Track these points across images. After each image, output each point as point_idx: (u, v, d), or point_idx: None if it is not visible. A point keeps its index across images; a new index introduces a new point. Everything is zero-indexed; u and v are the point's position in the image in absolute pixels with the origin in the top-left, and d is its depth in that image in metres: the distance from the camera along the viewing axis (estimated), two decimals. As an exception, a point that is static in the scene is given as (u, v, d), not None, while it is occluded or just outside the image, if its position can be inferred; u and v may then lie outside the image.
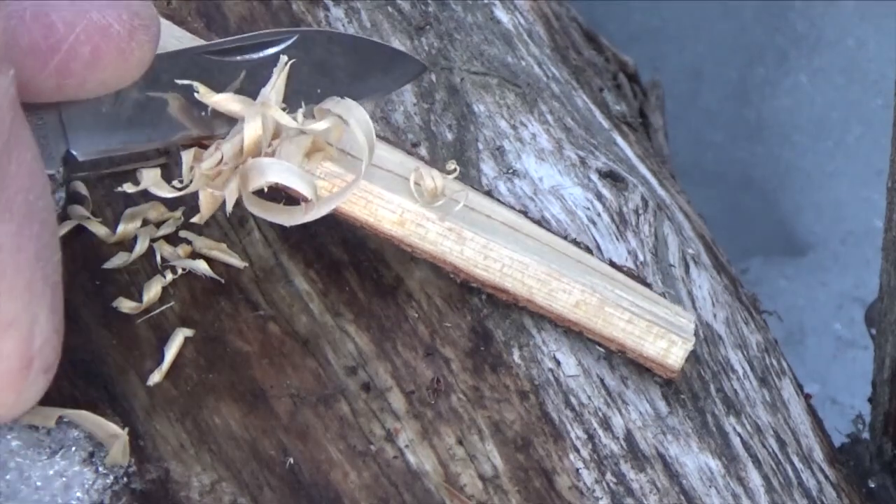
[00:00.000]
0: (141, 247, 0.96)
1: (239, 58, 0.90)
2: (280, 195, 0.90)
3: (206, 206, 0.91)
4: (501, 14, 1.18)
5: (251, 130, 0.87)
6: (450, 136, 1.05)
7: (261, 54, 0.90)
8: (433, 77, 1.09)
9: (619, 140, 1.15)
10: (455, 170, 0.93)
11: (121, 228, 0.96)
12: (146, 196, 0.99)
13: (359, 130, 0.88)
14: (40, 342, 0.74)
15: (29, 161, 0.71)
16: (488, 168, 1.04)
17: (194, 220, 0.93)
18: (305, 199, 0.88)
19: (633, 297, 0.93)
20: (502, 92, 1.10)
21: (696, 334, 0.95)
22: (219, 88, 0.88)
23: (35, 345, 0.73)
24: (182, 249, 0.96)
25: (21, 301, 0.72)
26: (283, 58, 0.90)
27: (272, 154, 0.88)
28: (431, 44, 1.12)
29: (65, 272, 0.96)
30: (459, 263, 0.92)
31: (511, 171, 1.04)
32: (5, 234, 0.70)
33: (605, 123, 1.16)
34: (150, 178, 0.90)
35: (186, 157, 0.89)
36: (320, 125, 0.89)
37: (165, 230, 0.96)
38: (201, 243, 0.96)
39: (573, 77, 1.19)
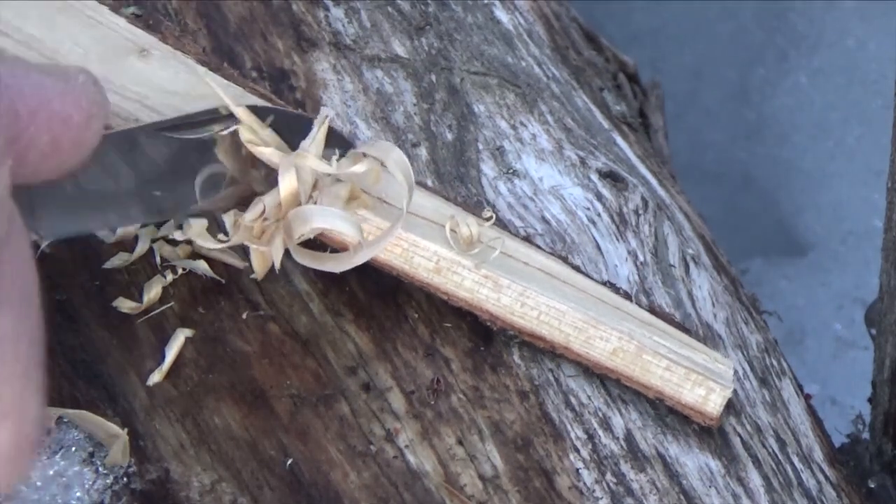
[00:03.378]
0: (142, 247, 0.96)
1: (175, 135, 0.87)
2: (324, 248, 0.91)
3: (259, 265, 0.91)
4: (501, 14, 1.18)
5: (286, 182, 0.87)
6: (450, 137, 1.05)
7: (193, 136, 0.87)
8: (433, 77, 1.09)
9: (619, 140, 1.15)
10: (491, 217, 0.93)
11: (121, 229, 0.96)
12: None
13: (398, 171, 0.88)
14: (32, 425, 0.74)
15: (24, 249, 0.71)
16: (488, 168, 1.04)
17: (253, 275, 0.93)
18: (348, 244, 0.88)
19: (670, 343, 0.92)
20: (502, 92, 1.10)
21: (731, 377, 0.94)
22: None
23: (27, 429, 0.74)
24: (182, 249, 0.96)
25: (17, 388, 0.72)
26: (324, 110, 0.90)
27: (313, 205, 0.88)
28: (431, 44, 1.12)
29: (65, 272, 0.96)
30: (496, 311, 0.91)
31: (511, 171, 1.04)
32: (5, 326, 0.70)
33: (605, 123, 1.16)
34: (196, 230, 0.90)
35: (228, 217, 0.89)
36: (357, 168, 0.88)
37: (166, 231, 0.96)
38: (201, 243, 0.96)
39: (573, 77, 1.19)
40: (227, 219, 0.89)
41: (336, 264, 0.89)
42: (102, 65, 0.89)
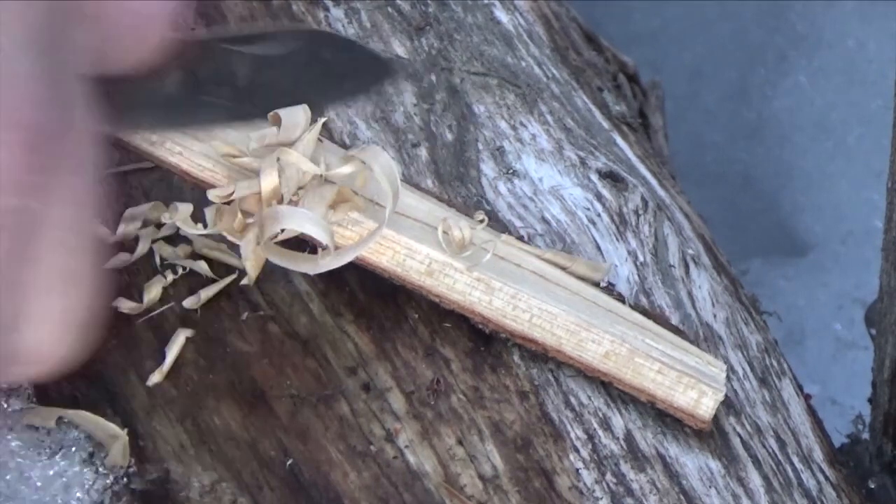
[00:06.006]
0: (142, 248, 0.96)
1: (247, 49, 0.88)
2: (306, 246, 0.90)
3: (252, 268, 0.91)
4: (501, 14, 1.18)
5: (266, 179, 0.87)
6: (450, 137, 1.05)
7: (270, 52, 0.89)
8: (433, 77, 1.09)
9: (619, 140, 1.15)
10: (483, 220, 0.93)
11: (121, 229, 0.96)
12: (147, 196, 0.99)
13: (383, 177, 0.88)
14: (83, 300, 0.76)
15: (92, 126, 0.74)
16: (488, 168, 1.04)
17: (244, 282, 0.93)
18: (323, 247, 0.88)
19: (663, 346, 0.92)
20: (502, 92, 1.10)
21: (724, 377, 0.94)
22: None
23: (78, 303, 0.75)
24: (182, 250, 0.96)
25: (76, 260, 0.73)
26: (319, 120, 0.90)
27: (296, 204, 0.87)
28: (431, 44, 1.12)
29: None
30: (488, 314, 0.91)
31: (511, 171, 1.04)
32: (78, 190, 0.72)
33: (605, 124, 1.16)
34: (181, 215, 0.90)
35: (210, 213, 0.89)
36: (343, 170, 0.88)
37: (166, 231, 0.96)
38: (201, 243, 0.96)
39: (573, 77, 1.20)
40: (209, 213, 0.89)
41: (311, 266, 0.89)
42: None
